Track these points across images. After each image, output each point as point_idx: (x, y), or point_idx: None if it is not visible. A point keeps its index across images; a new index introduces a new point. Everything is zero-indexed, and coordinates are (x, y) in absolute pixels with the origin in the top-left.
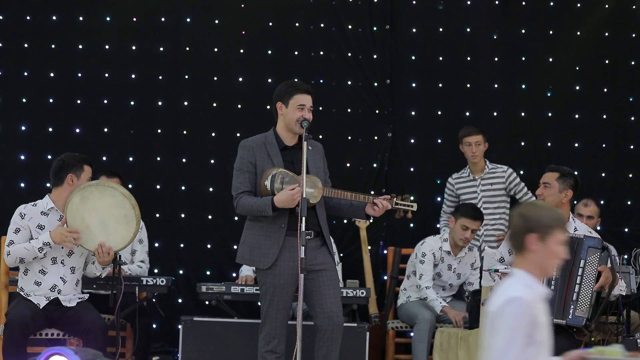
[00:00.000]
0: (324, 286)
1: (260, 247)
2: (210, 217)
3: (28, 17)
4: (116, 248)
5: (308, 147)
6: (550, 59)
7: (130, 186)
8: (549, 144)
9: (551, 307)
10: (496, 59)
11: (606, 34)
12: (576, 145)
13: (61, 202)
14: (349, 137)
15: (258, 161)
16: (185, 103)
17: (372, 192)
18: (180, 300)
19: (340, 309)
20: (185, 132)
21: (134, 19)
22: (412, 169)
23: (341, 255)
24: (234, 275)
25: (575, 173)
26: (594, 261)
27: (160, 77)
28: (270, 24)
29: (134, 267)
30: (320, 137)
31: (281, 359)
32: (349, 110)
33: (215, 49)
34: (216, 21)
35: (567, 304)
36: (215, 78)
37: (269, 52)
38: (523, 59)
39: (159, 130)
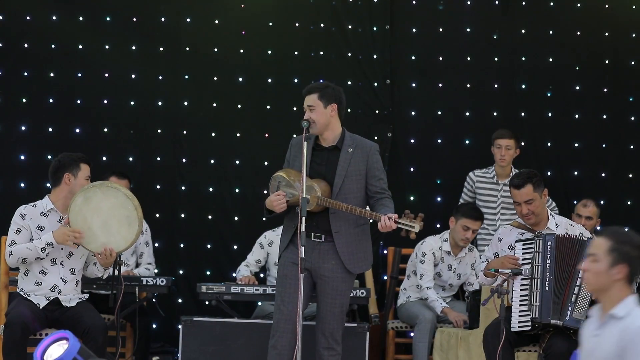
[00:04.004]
0: (324, 295)
1: (279, 245)
2: (210, 217)
3: (28, 17)
4: (118, 249)
5: (348, 149)
6: (550, 59)
7: (130, 186)
8: (549, 144)
9: (546, 307)
10: (496, 59)
11: (606, 34)
12: (576, 145)
13: (60, 203)
14: None
15: (291, 159)
16: (185, 103)
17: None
18: (180, 300)
19: (334, 320)
20: (185, 132)
21: (134, 19)
22: (412, 169)
23: None
24: (234, 275)
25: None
26: None
27: (160, 77)
28: (270, 24)
29: (142, 269)
30: None
31: (283, 356)
32: (349, 110)
33: (215, 49)
34: (216, 21)
35: (565, 305)
36: (215, 78)
37: (269, 52)
38: (523, 59)
39: (159, 130)
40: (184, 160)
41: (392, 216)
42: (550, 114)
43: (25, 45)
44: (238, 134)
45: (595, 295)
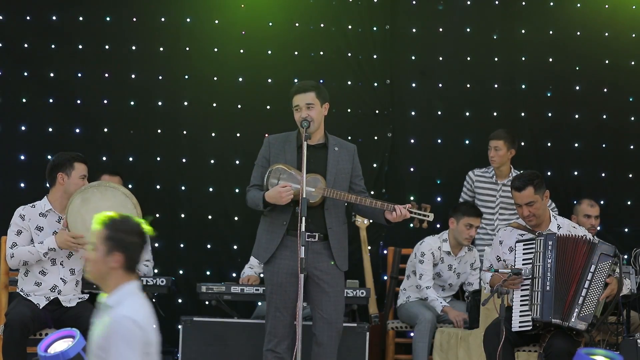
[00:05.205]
0: (324, 294)
1: (262, 241)
2: (210, 217)
3: (28, 17)
4: None
5: (334, 148)
6: (550, 59)
7: (130, 186)
8: (549, 144)
9: (547, 306)
10: (496, 59)
11: (606, 34)
12: (576, 145)
13: (57, 203)
14: (349, 137)
15: (272, 156)
16: (185, 103)
17: (372, 192)
18: (180, 300)
19: (340, 317)
20: (185, 132)
21: (134, 19)
22: (412, 169)
23: None
24: (234, 275)
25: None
26: (605, 268)
27: (160, 77)
28: (270, 24)
29: (141, 266)
30: None
31: (284, 358)
32: (349, 110)
33: (215, 49)
34: (216, 21)
35: (571, 306)
36: (215, 78)
37: (269, 52)
38: (523, 59)
39: (159, 130)
40: (184, 160)
41: (407, 205)
42: (550, 114)
43: (25, 45)
44: (238, 134)
45: (98, 283)
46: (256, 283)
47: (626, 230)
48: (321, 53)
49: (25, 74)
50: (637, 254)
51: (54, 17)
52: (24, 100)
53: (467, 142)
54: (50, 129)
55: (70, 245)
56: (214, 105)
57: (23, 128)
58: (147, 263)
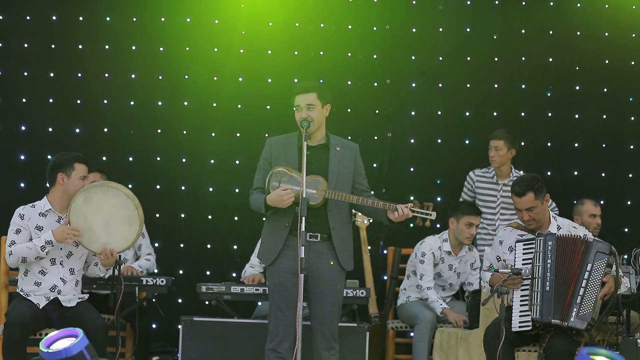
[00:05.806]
0: (321, 294)
1: (265, 243)
2: (210, 217)
3: (28, 17)
4: (119, 249)
5: (336, 148)
6: (550, 59)
7: (130, 186)
8: (549, 144)
9: (547, 307)
10: (496, 59)
11: (606, 34)
12: (576, 145)
13: (57, 203)
14: (349, 137)
15: (273, 159)
16: (185, 103)
17: (372, 192)
18: (180, 300)
19: (334, 317)
20: (185, 132)
21: (134, 19)
22: (412, 169)
23: None
24: (234, 275)
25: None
26: (601, 266)
27: (160, 77)
28: (271, 24)
29: (143, 261)
30: None
31: (285, 358)
32: (349, 110)
33: (215, 49)
34: (216, 21)
35: (570, 306)
36: (215, 78)
37: (269, 52)
38: (523, 59)
39: (159, 130)
40: (184, 160)
41: (409, 204)
42: (550, 114)
43: (25, 45)
44: (238, 134)
45: None
46: (261, 282)
47: (626, 230)
48: (321, 53)
49: (25, 74)
50: (637, 254)
51: (54, 17)
52: (24, 100)
53: (467, 142)
54: (50, 129)
55: (66, 237)
56: (214, 105)
57: (23, 128)
58: (148, 257)
